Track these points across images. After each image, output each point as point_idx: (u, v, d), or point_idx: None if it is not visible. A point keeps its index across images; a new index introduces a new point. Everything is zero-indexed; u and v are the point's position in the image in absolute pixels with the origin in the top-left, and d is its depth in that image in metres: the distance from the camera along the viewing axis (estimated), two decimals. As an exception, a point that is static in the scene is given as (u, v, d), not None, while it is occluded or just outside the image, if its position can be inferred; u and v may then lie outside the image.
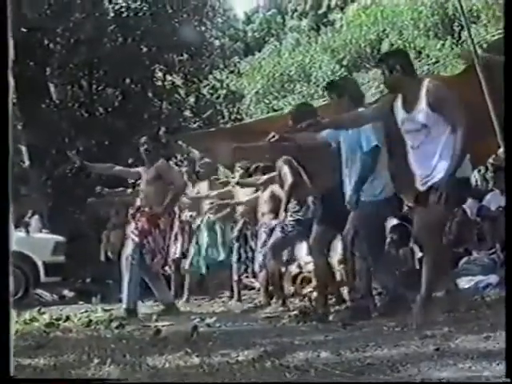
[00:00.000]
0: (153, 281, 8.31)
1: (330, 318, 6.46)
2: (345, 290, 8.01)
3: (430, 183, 5.60)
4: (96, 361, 4.23)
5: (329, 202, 6.76)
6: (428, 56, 23.04)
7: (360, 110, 6.36)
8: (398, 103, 5.82)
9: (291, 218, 7.85)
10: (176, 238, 10.48)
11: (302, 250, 9.30)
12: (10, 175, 3.04)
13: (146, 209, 8.26)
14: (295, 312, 7.01)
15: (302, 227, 7.72)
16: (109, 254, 13.30)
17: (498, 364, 3.61)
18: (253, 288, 10.16)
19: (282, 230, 7.92)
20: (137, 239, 8.13)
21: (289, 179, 7.88)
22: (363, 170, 6.27)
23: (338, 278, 8.19)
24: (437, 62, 22.98)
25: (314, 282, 8.90)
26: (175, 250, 10.52)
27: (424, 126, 5.63)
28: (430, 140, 5.64)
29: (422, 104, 5.61)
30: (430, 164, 5.60)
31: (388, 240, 8.60)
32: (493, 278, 7.79)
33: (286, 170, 7.91)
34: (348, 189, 6.39)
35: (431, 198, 5.55)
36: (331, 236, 7.14)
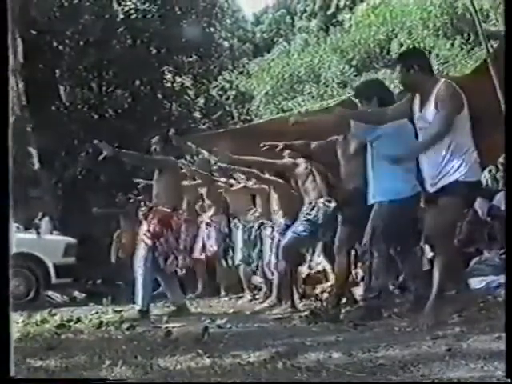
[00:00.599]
0: (166, 281, 8.34)
1: (342, 317, 6.44)
2: (356, 291, 8.04)
3: (439, 185, 5.61)
4: (107, 362, 4.24)
5: (357, 203, 6.75)
6: (437, 56, 23.00)
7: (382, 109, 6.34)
8: (416, 101, 5.84)
9: (304, 219, 7.85)
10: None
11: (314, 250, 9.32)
12: (10, 177, 3.04)
13: (159, 207, 8.23)
14: (306, 313, 7.00)
15: (314, 228, 7.75)
16: (120, 255, 13.34)
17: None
18: (260, 289, 10.11)
19: (294, 231, 7.92)
20: (149, 242, 8.11)
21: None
22: None
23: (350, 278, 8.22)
24: (446, 61, 22.94)
25: (324, 283, 8.93)
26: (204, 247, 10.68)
27: (430, 124, 5.69)
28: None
29: (432, 102, 5.64)
30: (439, 164, 5.61)
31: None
32: (504, 278, 7.75)
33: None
34: (371, 191, 6.41)
35: (441, 199, 5.56)
36: (356, 237, 7.15)
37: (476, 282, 7.93)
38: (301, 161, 8.01)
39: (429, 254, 8.79)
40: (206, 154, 12.47)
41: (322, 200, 7.71)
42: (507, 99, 3.22)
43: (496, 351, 3.96)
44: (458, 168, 5.51)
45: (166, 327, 6.21)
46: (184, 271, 10.84)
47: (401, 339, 4.74)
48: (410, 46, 23.47)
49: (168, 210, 8.23)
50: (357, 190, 6.70)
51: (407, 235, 6.81)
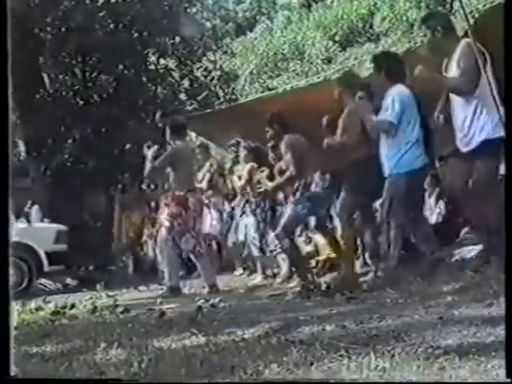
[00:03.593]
0: (198, 261, 8.78)
1: (365, 286, 6.59)
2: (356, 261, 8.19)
3: (471, 145, 5.90)
4: (103, 345, 4.25)
5: (362, 171, 6.89)
6: (420, 28, 22.97)
7: None
8: (443, 64, 6.11)
9: (302, 196, 7.91)
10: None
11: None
12: (10, 168, 3.07)
13: (176, 192, 8.52)
14: (298, 288, 7.06)
15: (312, 203, 7.84)
16: (131, 234, 13.49)
17: (502, 329, 3.63)
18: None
19: (293, 208, 7.97)
20: (167, 223, 8.48)
21: (290, 168, 7.98)
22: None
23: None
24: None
25: (316, 257, 9.01)
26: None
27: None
28: (460, 100, 5.92)
29: (454, 62, 5.91)
30: (468, 124, 5.88)
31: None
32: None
33: (288, 157, 7.98)
34: (384, 160, 6.57)
35: (474, 159, 5.91)
36: (360, 204, 7.31)
37: (466, 251, 7.97)
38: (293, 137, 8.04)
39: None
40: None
41: (317, 174, 7.79)
42: (507, 98, 3.26)
43: (487, 317, 4.01)
44: (484, 127, 5.72)
45: (160, 309, 6.23)
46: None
47: (393, 310, 4.78)
48: (393, 19, 23.53)
49: (182, 193, 8.49)
50: (365, 158, 6.91)
51: (419, 203, 6.94)
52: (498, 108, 5.44)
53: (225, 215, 10.87)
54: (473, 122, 5.82)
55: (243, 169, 9.85)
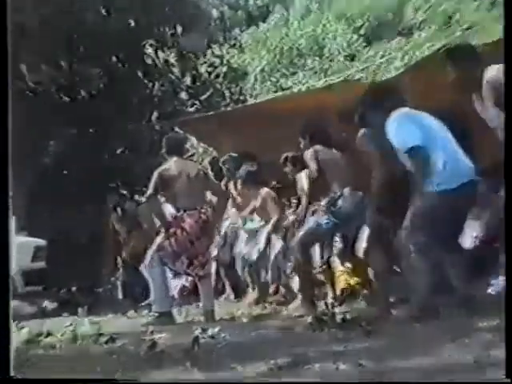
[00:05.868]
0: (200, 283, 9.01)
1: (394, 312, 6.67)
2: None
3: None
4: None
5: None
6: (458, 22, 22.96)
7: None
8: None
9: (327, 210, 7.95)
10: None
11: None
12: (9, 175, 3.15)
13: (178, 214, 8.75)
14: (310, 320, 7.03)
15: (338, 219, 7.90)
16: (125, 256, 13.55)
17: None
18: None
19: (316, 223, 8.02)
20: (159, 241, 8.73)
21: (313, 172, 8.07)
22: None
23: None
24: (470, 27, 22.85)
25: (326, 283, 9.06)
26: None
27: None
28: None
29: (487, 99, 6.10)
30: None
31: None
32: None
33: (312, 165, 8.06)
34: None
35: None
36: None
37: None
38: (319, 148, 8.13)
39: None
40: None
41: (347, 189, 7.85)
42: (507, 99, 3.33)
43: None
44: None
45: (151, 338, 6.22)
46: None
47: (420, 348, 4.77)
48: (428, 10, 23.53)
49: (179, 213, 8.73)
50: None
51: (452, 228, 6.88)
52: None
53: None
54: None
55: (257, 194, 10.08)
